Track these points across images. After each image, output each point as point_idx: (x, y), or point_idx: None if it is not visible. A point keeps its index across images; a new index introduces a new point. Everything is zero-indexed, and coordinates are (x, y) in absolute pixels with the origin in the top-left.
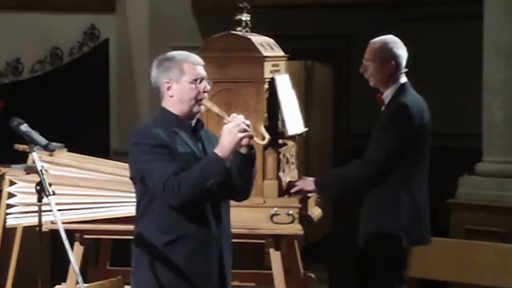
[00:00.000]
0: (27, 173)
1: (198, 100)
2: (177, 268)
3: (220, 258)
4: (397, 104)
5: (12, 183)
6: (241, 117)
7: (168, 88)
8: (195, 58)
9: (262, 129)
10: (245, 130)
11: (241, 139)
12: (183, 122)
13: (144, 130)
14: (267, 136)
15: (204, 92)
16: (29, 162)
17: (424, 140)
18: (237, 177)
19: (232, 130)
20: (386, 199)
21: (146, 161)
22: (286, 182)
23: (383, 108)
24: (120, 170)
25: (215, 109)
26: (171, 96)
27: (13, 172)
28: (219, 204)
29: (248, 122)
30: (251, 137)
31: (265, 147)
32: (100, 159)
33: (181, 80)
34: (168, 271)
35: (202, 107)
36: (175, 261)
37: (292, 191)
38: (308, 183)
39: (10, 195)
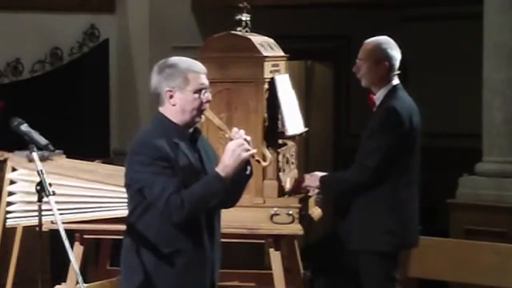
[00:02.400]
0: (30, 161)
1: (200, 111)
2: (170, 281)
3: (212, 270)
4: (386, 109)
5: (14, 170)
6: (242, 133)
7: (171, 97)
8: (199, 66)
9: (265, 150)
10: (247, 149)
11: (245, 159)
12: (182, 131)
13: (146, 141)
14: (269, 157)
15: (207, 102)
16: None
17: (413, 143)
18: (231, 190)
19: (236, 150)
20: (375, 202)
21: (146, 173)
22: (294, 181)
23: (374, 109)
24: (118, 173)
25: (216, 121)
26: (173, 105)
27: (15, 158)
28: (213, 218)
29: (249, 138)
30: (252, 156)
31: (265, 147)
32: (99, 163)
33: (185, 90)
34: (161, 283)
35: (203, 117)
36: (168, 275)
37: (303, 185)
38: (314, 180)
39: (11, 182)
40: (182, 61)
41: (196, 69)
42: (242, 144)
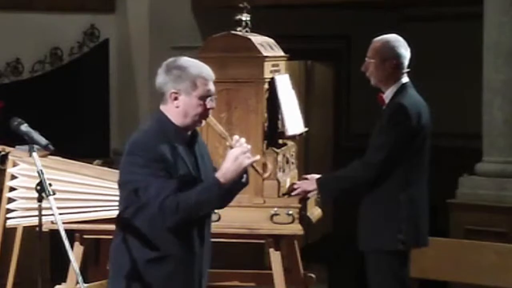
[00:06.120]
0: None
1: (203, 117)
2: (157, 285)
3: (199, 276)
4: (394, 105)
5: (15, 164)
6: (243, 141)
7: (175, 99)
8: (208, 72)
9: (267, 162)
10: (249, 157)
11: (247, 167)
12: (181, 134)
13: (143, 142)
14: (270, 168)
15: (210, 109)
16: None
17: (423, 141)
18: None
19: (238, 158)
20: (384, 200)
21: (141, 174)
22: (289, 185)
23: (384, 108)
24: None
25: (218, 128)
26: (177, 107)
27: (17, 153)
28: (204, 226)
29: (249, 147)
30: (253, 166)
31: (265, 147)
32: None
33: (191, 94)
34: (148, 286)
35: (203, 122)
36: (155, 278)
37: (294, 193)
38: (310, 183)
39: (13, 177)
40: (193, 65)
41: (205, 75)
42: (244, 152)
